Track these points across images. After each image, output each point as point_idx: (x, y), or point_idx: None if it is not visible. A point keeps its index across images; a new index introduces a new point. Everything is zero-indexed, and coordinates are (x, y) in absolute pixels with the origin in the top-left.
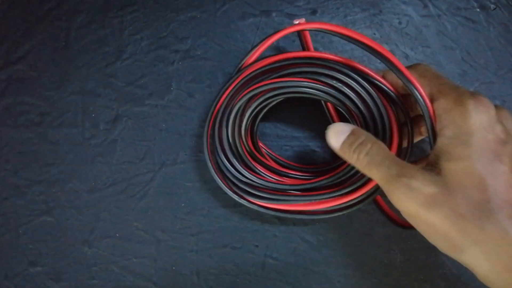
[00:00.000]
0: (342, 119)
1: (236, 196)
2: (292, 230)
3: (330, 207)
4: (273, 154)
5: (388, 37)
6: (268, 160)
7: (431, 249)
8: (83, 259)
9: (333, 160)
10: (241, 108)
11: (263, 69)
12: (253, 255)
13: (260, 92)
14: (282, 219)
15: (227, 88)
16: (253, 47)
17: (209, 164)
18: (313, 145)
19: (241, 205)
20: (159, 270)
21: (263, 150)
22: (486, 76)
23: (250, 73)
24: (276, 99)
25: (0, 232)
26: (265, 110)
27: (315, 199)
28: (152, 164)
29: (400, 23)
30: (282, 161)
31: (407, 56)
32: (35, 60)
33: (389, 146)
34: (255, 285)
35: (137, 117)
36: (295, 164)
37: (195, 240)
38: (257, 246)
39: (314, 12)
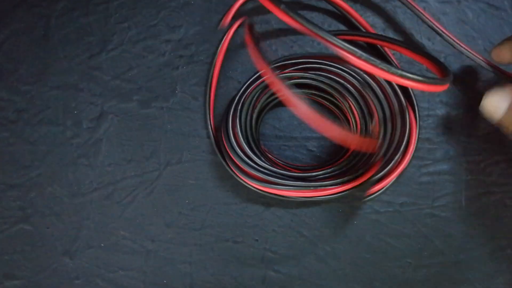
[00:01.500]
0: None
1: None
2: (298, 238)
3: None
4: (272, 155)
5: (402, 26)
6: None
7: (450, 261)
8: (64, 272)
9: (330, 159)
10: (255, 96)
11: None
12: (253, 249)
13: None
14: (283, 224)
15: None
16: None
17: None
18: (310, 145)
19: (238, 213)
20: (149, 284)
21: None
22: (511, 68)
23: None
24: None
25: None
26: (273, 103)
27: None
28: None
29: None
30: (281, 161)
31: (423, 47)
32: (11, 51)
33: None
34: None
35: (124, 114)
36: (292, 164)
37: (188, 251)
38: (257, 240)
39: None
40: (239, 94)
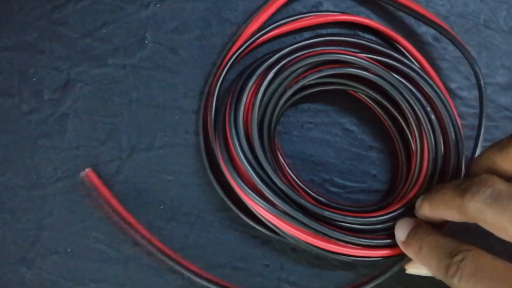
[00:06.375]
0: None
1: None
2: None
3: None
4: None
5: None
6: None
7: None
8: (20, 283)
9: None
10: (299, 70)
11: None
12: (262, 279)
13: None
14: None
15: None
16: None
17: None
18: (347, 122)
19: (239, 224)
20: None
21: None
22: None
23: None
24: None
25: None
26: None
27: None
28: (118, 150)
29: None
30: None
31: None
32: None
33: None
34: None
35: (97, 82)
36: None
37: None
38: (267, 266)
39: None
40: (276, 56)
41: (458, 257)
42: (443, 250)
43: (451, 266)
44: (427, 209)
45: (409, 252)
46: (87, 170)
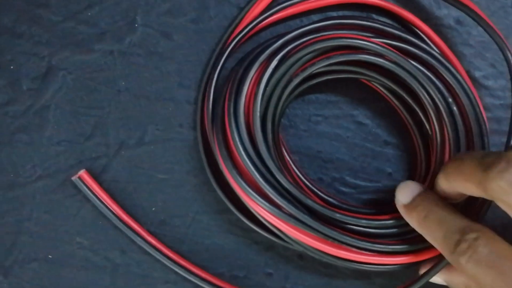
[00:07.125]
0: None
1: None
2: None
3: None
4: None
5: None
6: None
7: None
8: None
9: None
10: (305, 57)
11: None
12: None
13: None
14: None
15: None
16: None
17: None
18: (360, 114)
19: (240, 228)
20: None
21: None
22: None
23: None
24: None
25: None
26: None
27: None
28: (105, 145)
29: None
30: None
31: None
32: None
33: None
34: None
35: (81, 70)
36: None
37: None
38: (270, 274)
39: None
40: (281, 41)
41: (472, 235)
42: (453, 224)
43: (462, 242)
44: (444, 181)
45: (411, 218)
46: (80, 172)
